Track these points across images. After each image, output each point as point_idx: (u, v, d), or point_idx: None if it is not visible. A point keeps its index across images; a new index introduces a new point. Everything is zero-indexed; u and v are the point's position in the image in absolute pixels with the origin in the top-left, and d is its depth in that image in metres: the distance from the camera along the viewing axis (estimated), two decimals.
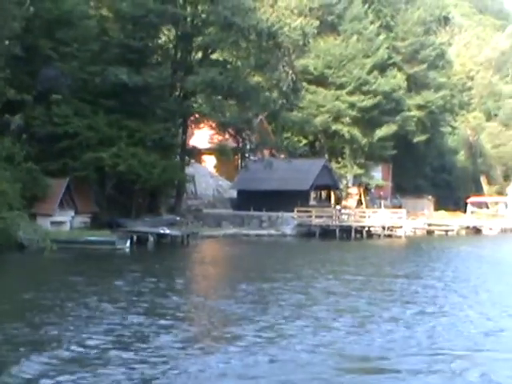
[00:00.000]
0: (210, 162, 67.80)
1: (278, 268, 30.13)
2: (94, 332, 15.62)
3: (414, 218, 67.33)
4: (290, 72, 51.15)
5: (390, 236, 57.28)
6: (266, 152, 60.74)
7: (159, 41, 49.70)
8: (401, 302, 20.89)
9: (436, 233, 64.22)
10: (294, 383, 12.06)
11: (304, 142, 70.87)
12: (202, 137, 57.89)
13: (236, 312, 18.52)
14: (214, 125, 53.91)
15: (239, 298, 20.81)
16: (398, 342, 15.25)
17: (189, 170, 54.00)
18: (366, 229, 57.10)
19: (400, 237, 57.61)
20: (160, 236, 41.35)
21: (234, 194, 64.70)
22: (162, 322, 17.04)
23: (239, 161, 65.00)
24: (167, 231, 41.67)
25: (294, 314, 18.35)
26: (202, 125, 54.62)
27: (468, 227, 67.91)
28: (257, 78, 51.67)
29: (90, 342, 14.53)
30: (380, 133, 73.27)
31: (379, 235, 56.82)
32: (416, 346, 14.84)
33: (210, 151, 60.51)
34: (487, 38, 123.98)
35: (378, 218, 59.50)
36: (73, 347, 14.05)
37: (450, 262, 36.21)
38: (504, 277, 29.14)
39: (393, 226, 58.69)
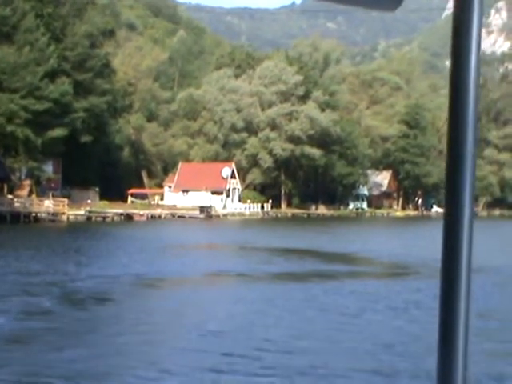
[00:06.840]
0: None
1: None
2: None
3: (78, 207, 78.78)
4: None
5: (53, 221, 68.08)
6: None
7: None
8: None
9: (94, 219, 75.91)
10: None
11: None
12: None
13: None
14: None
15: None
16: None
17: None
18: (34, 214, 67.52)
19: (63, 222, 68.86)
20: None
21: None
22: None
23: None
24: None
25: None
26: None
27: (122, 214, 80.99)
28: None
29: None
30: (52, 134, 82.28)
31: (45, 220, 67.67)
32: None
33: None
34: (160, 41, 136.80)
35: (44, 205, 70.00)
36: None
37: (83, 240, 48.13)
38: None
39: (57, 213, 69.84)
